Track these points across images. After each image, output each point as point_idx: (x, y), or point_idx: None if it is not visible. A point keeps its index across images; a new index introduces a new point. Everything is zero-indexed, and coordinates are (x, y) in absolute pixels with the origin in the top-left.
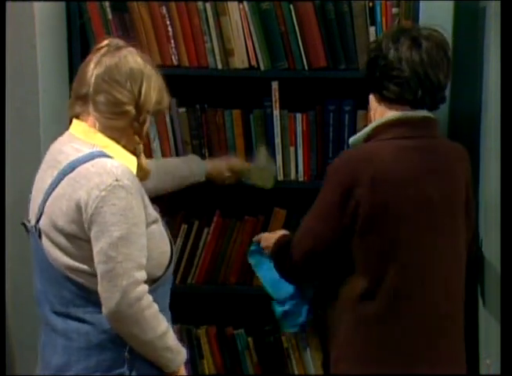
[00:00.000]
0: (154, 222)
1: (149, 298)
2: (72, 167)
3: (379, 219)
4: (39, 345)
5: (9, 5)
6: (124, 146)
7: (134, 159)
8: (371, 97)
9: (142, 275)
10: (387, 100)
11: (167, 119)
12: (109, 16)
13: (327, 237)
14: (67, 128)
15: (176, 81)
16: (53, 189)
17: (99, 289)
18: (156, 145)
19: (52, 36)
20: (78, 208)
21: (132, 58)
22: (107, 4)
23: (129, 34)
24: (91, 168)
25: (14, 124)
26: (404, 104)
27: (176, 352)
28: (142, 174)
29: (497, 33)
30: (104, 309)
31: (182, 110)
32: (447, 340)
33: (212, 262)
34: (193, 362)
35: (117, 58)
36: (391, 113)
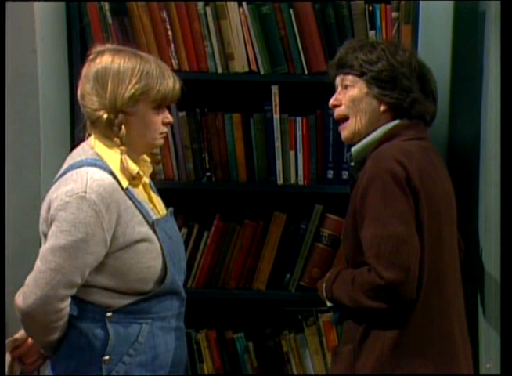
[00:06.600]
0: (142, 240)
1: (66, 318)
2: (63, 173)
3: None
4: None
5: (9, 9)
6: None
7: (135, 169)
8: (378, 107)
9: (67, 294)
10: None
11: None
12: (109, 20)
13: (416, 238)
14: (67, 132)
15: None
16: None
17: (26, 281)
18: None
19: (53, 40)
20: (48, 208)
21: (101, 59)
22: (107, 8)
23: (129, 38)
24: (73, 175)
25: (14, 127)
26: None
27: None
28: (130, 176)
29: (497, 35)
30: (21, 302)
31: (182, 113)
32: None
33: (212, 266)
34: (193, 366)
35: (88, 66)
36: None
